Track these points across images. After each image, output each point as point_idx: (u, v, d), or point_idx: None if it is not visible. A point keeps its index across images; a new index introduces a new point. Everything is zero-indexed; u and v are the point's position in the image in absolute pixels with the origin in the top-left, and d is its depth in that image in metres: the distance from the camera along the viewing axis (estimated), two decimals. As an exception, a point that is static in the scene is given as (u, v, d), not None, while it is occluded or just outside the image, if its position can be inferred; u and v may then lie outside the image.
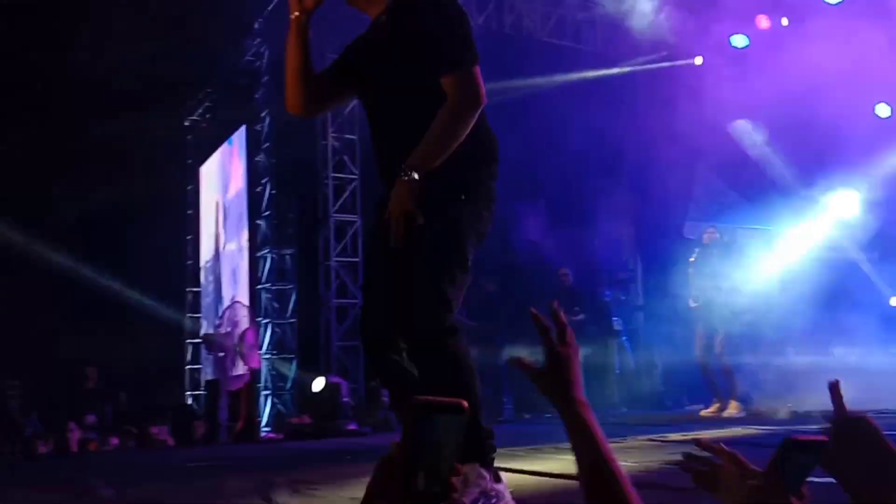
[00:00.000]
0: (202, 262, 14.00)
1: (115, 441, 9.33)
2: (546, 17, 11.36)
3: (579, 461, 1.30)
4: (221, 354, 9.64)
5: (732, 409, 7.63)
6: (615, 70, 11.38)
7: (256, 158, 11.54)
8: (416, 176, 2.45)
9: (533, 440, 5.21)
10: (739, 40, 11.87)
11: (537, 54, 11.16)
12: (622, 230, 12.52)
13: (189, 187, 14.44)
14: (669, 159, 10.89)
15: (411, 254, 2.48)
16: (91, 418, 9.43)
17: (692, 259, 8.16)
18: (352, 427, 8.33)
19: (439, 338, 2.50)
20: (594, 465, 1.28)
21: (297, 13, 2.68)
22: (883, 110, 12.42)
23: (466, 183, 2.62)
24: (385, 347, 2.64)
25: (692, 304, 8.00)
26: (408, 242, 2.46)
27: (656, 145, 10.66)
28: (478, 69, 2.60)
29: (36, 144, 11.01)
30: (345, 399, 8.60)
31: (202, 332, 12.69)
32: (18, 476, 5.71)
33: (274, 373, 10.77)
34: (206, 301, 13.57)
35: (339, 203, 10.54)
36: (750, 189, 12.48)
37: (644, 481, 3.27)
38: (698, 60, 12.21)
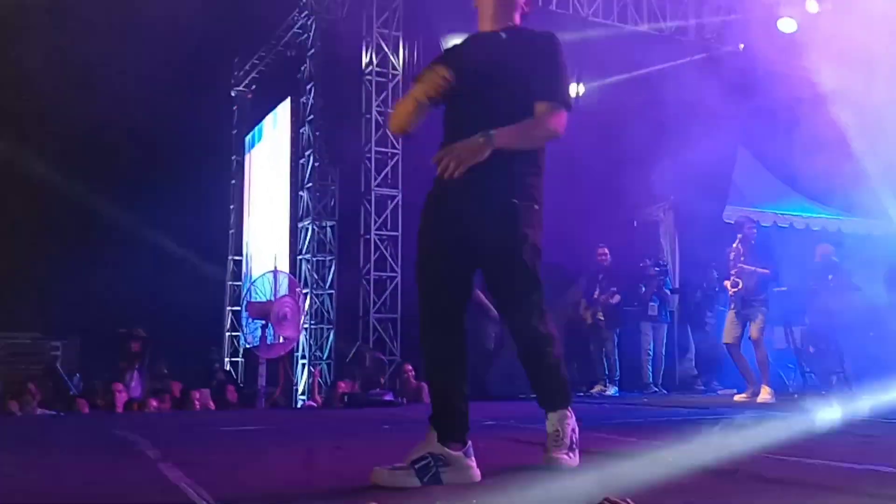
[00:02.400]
0: (245, 231, 14.24)
1: (155, 403, 9.59)
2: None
3: None
4: (261, 322, 9.85)
5: (765, 394, 7.68)
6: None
7: (301, 130, 11.68)
8: (495, 143, 2.85)
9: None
10: (787, 24, 11.73)
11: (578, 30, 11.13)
12: (661, 213, 12.50)
13: (233, 157, 14.67)
14: (710, 143, 10.83)
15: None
16: (134, 380, 9.70)
17: (735, 245, 8.18)
18: (388, 398, 8.49)
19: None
20: None
21: (423, 98, 3.03)
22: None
23: (538, 192, 3.05)
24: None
25: (730, 288, 8.04)
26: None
27: (697, 129, 10.59)
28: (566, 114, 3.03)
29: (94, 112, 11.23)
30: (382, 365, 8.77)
31: (243, 299, 12.94)
32: (67, 434, 5.93)
33: (311, 342, 10.97)
34: (248, 269, 13.83)
35: (380, 177, 10.66)
36: (795, 176, 12.42)
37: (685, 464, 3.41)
38: (741, 47, 12.12)
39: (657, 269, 10.34)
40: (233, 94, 14.49)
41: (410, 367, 9.38)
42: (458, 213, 2.96)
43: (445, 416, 2.94)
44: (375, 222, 10.58)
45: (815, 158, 11.63)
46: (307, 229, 11.23)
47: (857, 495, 2.56)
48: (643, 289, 10.13)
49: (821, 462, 3.38)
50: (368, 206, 10.61)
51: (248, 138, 14.41)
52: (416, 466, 2.81)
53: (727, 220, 10.87)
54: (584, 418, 5.23)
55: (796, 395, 8.43)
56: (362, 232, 10.64)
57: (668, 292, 10.40)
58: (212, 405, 9.61)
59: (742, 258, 8.00)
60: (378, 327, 10.33)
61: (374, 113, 10.75)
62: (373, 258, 10.49)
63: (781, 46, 11.71)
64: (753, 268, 7.87)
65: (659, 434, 4.68)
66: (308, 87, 11.53)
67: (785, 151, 11.80)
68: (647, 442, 4.31)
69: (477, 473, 2.93)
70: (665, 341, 10.15)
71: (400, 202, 10.63)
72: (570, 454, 3.11)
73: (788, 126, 11.29)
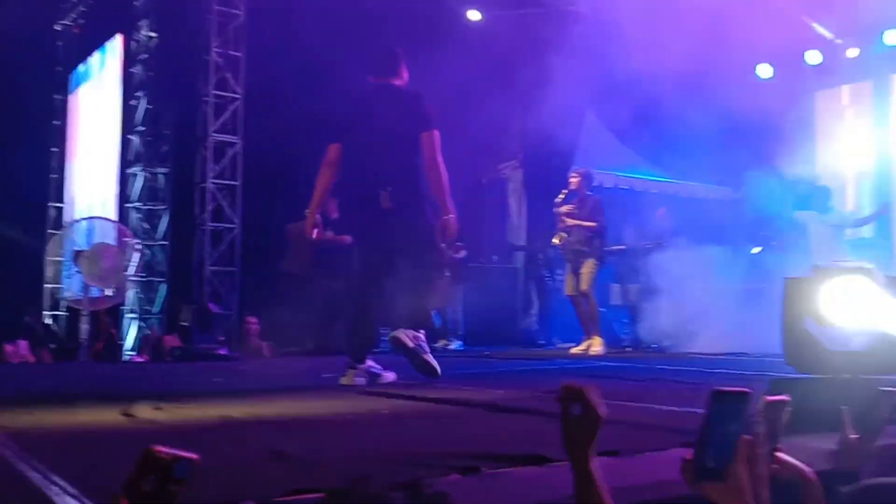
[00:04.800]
0: (69, 176, 13.21)
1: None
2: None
3: None
4: (83, 273, 9.15)
5: (596, 346, 7.84)
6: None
7: (132, 70, 10.88)
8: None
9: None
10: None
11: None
12: (509, 171, 12.58)
13: (56, 96, 13.52)
14: (558, 104, 10.90)
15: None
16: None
17: (559, 199, 8.30)
18: (222, 352, 8.10)
19: None
20: None
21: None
22: (764, 70, 12.86)
23: None
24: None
25: (555, 242, 8.18)
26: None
27: (547, 89, 10.63)
28: None
29: None
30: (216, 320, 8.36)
31: (66, 250, 12.03)
32: None
33: (141, 296, 10.33)
34: (71, 217, 12.85)
35: (219, 122, 10.08)
36: (638, 140, 12.75)
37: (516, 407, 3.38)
38: (588, 7, 12.21)
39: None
40: (57, 27, 13.28)
41: (254, 321, 9.02)
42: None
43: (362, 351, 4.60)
44: (213, 170, 10.00)
45: (654, 124, 12.00)
46: (137, 176, 10.52)
47: (672, 432, 2.58)
48: None
49: (642, 405, 3.46)
50: (205, 153, 10.01)
51: (73, 76, 13.33)
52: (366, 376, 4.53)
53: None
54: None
55: (629, 349, 8.69)
56: (198, 180, 10.05)
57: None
58: (31, 358, 8.89)
59: (574, 211, 8.11)
60: (214, 281, 9.82)
61: (213, 54, 10.11)
62: (209, 208, 9.94)
63: (634, 11, 11.91)
64: (578, 222, 8.00)
65: (498, 383, 4.74)
66: (140, 23, 10.73)
67: (628, 116, 12.06)
68: (486, 391, 4.32)
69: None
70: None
71: (240, 150, 10.10)
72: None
73: (631, 91, 11.52)
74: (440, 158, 4.55)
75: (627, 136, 12.90)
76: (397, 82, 4.71)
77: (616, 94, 11.52)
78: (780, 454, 1.56)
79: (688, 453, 1.36)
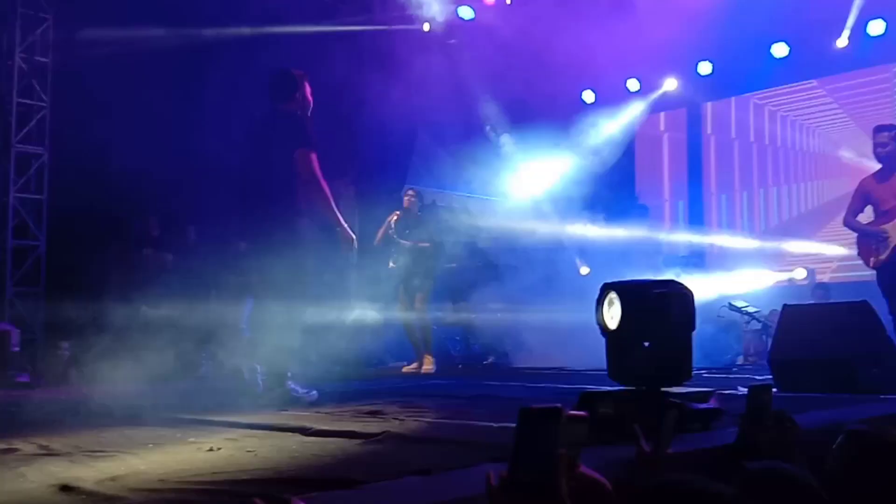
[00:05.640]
0: None
1: None
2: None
3: None
4: None
5: (427, 364, 7.81)
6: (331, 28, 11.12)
7: (-77, 73, 9.89)
8: None
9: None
10: (466, 12, 12.16)
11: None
12: (342, 189, 12.39)
13: None
14: (391, 122, 10.89)
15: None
16: None
17: (392, 220, 8.27)
18: (23, 379, 7.42)
19: None
20: None
21: None
22: (588, 96, 13.43)
23: None
24: None
25: (391, 265, 8.11)
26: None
27: (378, 107, 10.59)
28: None
29: None
30: (15, 349, 7.64)
31: None
32: None
33: (-68, 322, 9.34)
34: None
35: (23, 132, 9.31)
36: (466, 158, 12.92)
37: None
38: (426, 27, 12.32)
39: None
40: None
41: (66, 345, 8.34)
42: None
43: None
44: (16, 183, 9.22)
45: (485, 144, 12.23)
46: (-70, 189, 9.55)
47: (484, 448, 2.64)
48: None
49: (462, 422, 3.59)
50: (8, 165, 9.22)
51: None
52: None
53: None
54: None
55: (461, 366, 8.71)
56: (0, 194, 9.25)
57: None
58: None
59: (407, 231, 8.09)
60: (16, 302, 9.02)
61: (17, 59, 9.35)
62: (11, 224, 9.14)
63: (459, 32, 12.12)
64: (411, 242, 7.99)
65: (320, 405, 4.68)
66: (-66, 21, 9.79)
67: (459, 135, 12.21)
68: (305, 413, 4.25)
69: None
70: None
71: (46, 162, 9.37)
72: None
73: (462, 110, 11.69)
74: (318, 175, 4.74)
75: (460, 154, 13.06)
76: (290, 105, 5.00)
77: (447, 113, 11.67)
78: (579, 467, 1.55)
79: (493, 470, 1.34)
